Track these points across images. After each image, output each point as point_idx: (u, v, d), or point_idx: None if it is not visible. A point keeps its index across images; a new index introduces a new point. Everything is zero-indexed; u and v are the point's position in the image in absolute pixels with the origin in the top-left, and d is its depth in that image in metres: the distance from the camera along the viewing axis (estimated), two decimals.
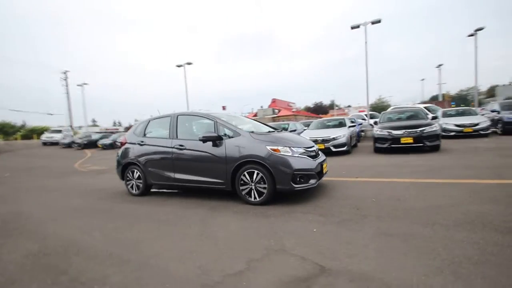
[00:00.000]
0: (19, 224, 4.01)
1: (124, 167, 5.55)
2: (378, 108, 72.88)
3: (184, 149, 4.71)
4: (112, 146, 23.13)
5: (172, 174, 4.87)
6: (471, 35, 19.01)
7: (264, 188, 3.99)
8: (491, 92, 57.55)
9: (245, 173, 4.10)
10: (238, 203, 4.23)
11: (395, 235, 2.64)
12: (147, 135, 5.43)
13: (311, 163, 4.10)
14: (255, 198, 4.07)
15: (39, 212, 4.65)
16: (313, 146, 4.62)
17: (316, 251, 2.43)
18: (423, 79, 51.02)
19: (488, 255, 2.14)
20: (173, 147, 4.84)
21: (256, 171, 4.02)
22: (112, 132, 35.10)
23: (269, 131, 4.81)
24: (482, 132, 10.88)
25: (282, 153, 3.96)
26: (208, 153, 4.44)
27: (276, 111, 39.47)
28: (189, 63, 23.67)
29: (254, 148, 4.06)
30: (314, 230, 2.93)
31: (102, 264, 2.52)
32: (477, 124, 11.02)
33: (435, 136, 7.98)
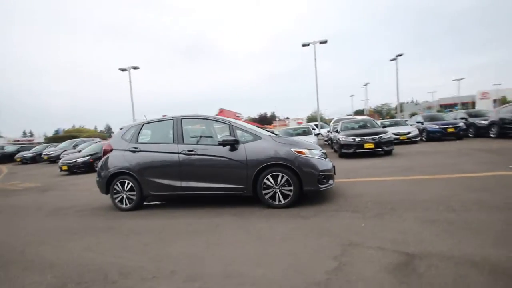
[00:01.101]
0: (4, 254, 3.10)
1: (110, 179, 4.81)
2: (315, 120, 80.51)
3: (195, 154, 4.39)
4: (35, 160, 19.46)
5: (178, 183, 4.46)
6: (393, 59, 22.86)
7: (290, 190, 4.02)
8: (400, 108, 69.54)
9: (269, 176, 4.07)
10: (255, 207, 4.14)
11: (435, 220, 3.02)
12: (141, 141, 4.86)
13: (329, 164, 4.32)
14: (279, 201, 4.06)
15: (16, 239, 3.69)
16: (322, 149, 4.89)
17: (385, 241, 2.60)
18: (352, 95, 58.71)
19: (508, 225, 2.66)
20: (180, 153, 4.46)
21: (281, 174, 4.03)
22: (30, 144, 29.53)
23: (277, 135, 4.88)
24: (413, 140, 13.06)
25: (306, 155, 4.09)
26: (225, 157, 4.26)
27: None
28: (135, 67, 21.86)
29: (280, 151, 4.08)
30: (362, 225, 3.11)
31: (175, 283, 2.18)
32: (409, 133, 13.20)
33: (390, 142, 9.28)
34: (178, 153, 4.48)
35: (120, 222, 4.11)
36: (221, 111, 44.93)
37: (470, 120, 13.97)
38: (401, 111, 63.58)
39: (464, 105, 50.15)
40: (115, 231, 3.70)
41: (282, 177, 4.02)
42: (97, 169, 5.09)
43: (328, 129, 17.05)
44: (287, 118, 77.38)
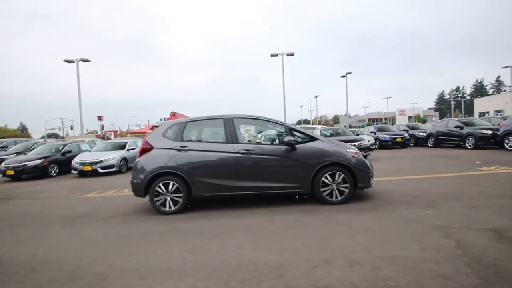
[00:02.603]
0: (62, 272, 2.67)
1: (151, 180, 4.43)
2: None
3: (253, 154, 4.43)
4: None
5: (235, 183, 4.41)
6: (343, 76, 25.77)
7: (346, 187, 4.43)
8: (336, 120, 77.52)
9: (327, 175, 4.41)
10: (310, 204, 4.42)
11: (475, 206, 3.83)
12: (187, 139, 4.62)
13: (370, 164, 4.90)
14: (336, 198, 4.42)
15: (60, 253, 3.14)
16: None
17: (464, 223, 3.22)
18: (301, 106, 63.52)
19: None
20: (236, 152, 4.43)
21: (338, 173, 4.41)
22: None
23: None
24: (371, 147, 15.04)
25: (359, 155, 4.57)
26: (284, 157, 4.43)
27: None
28: (85, 60, 19.36)
29: (338, 152, 4.47)
30: (429, 212, 3.73)
31: (341, 268, 2.34)
32: (369, 141, 15.17)
33: (368, 148, 10.61)
34: (234, 152, 4.44)
35: (182, 225, 3.87)
36: (173, 115, 43.08)
37: (411, 132, 16.82)
38: (337, 122, 71.32)
39: (386, 120, 59.07)
40: (194, 234, 3.50)
41: (339, 175, 4.41)
42: (132, 169, 4.62)
43: None
44: None
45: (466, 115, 53.08)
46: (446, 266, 2.27)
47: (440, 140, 14.20)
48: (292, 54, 19.54)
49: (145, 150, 4.59)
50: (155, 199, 4.45)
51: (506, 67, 27.51)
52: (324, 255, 2.60)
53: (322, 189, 4.41)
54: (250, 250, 2.85)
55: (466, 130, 12.83)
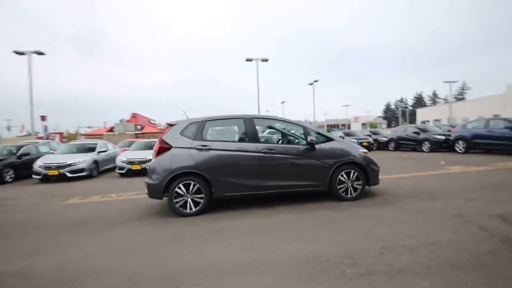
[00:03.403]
0: (117, 280, 2.47)
1: (170, 181, 4.23)
2: None
3: (275, 154, 4.51)
4: None
5: (258, 182, 4.44)
6: (311, 84, 27.16)
7: (359, 185, 4.76)
8: None
9: (343, 173, 4.69)
10: (325, 201, 4.67)
11: (472, 198, 4.44)
12: (207, 138, 4.51)
13: None
14: (350, 194, 4.72)
15: (95, 261, 2.85)
16: None
17: (472, 211, 3.74)
18: (267, 111, 64.95)
19: None
20: (259, 152, 4.47)
21: (352, 171, 4.73)
22: None
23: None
24: None
25: (369, 155, 4.95)
26: (304, 157, 4.60)
27: (139, 127, 35.52)
28: (39, 53, 17.23)
29: (353, 151, 4.78)
30: (438, 204, 4.21)
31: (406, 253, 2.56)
32: None
33: None
34: (257, 152, 4.47)
35: (212, 225, 3.79)
36: (134, 116, 40.46)
37: (374, 136, 18.43)
38: None
39: (344, 126, 63.59)
40: (232, 233, 3.45)
41: (354, 173, 4.72)
42: (149, 170, 4.33)
43: None
44: None
45: (407, 123, 59.95)
46: (487, 245, 2.65)
47: (400, 144, 15.83)
48: (266, 60, 20.05)
49: (163, 149, 4.36)
50: (175, 200, 4.24)
51: (446, 81, 31.89)
52: (380, 243, 2.81)
53: (338, 187, 4.68)
54: (306, 244, 2.93)
55: (423, 135, 14.55)
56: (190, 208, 4.28)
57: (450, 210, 3.83)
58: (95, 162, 10.74)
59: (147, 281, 2.33)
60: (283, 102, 45.81)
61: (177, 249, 3.03)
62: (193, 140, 4.43)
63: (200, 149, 4.37)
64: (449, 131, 14.43)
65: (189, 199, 4.27)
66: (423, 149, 14.01)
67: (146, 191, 4.52)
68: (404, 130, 16.10)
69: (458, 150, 12.18)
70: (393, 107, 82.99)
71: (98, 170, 10.93)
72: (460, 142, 12.20)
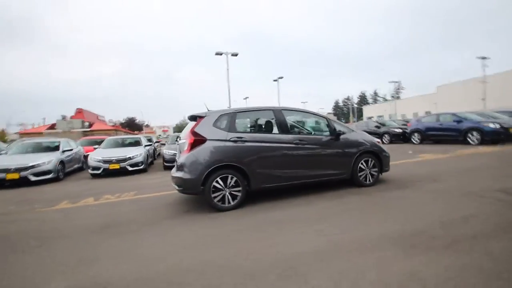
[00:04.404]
0: (224, 278, 2.39)
1: (208, 175, 4.05)
2: (183, 128, 79.31)
3: (305, 144, 4.65)
4: None
5: (292, 173, 4.53)
6: (275, 80, 27.86)
7: (375, 171, 5.19)
8: None
9: (363, 161, 5.06)
10: (345, 189, 5.01)
11: (463, 179, 5.22)
12: (239, 130, 4.42)
13: None
14: (369, 181, 5.13)
15: (176, 262, 2.66)
16: None
17: (479, 189, 4.42)
18: (228, 107, 64.42)
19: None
20: (291, 143, 4.55)
21: (370, 159, 5.14)
22: None
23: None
24: None
25: (381, 144, 5.42)
26: (330, 147, 4.84)
27: (87, 124, 31.95)
28: None
29: (369, 141, 5.19)
30: (441, 186, 4.86)
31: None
32: None
33: None
34: (290, 143, 4.54)
35: (261, 216, 3.77)
36: (80, 112, 36.12)
37: None
38: None
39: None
40: (288, 222, 3.50)
41: (371, 161, 5.14)
42: (184, 164, 4.06)
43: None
44: (147, 125, 71.92)
45: (356, 119, 65.87)
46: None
47: None
48: (236, 55, 19.89)
49: (198, 142, 4.13)
50: (213, 195, 4.08)
51: (392, 81, 35.73)
52: (435, 219, 3.18)
53: (359, 174, 5.04)
54: (372, 226, 3.14)
55: (383, 129, 16.25)
56: (229, 202, 4.16)
57: (459, 190, 4.46)
58: (61, 162, 9.46)
59: (261, 271, 2.27)
60: (246, 98, 45.81)
61: (250, 241, 2.97)
62: (227, 132, 4.30)
63: (236, 141, 4.27)
64: (404, 124, 16.40)
65: (227, 193, 4.15)
66: (384, 141, 15.59)
67: (176, 187, 4.24)
68: (366, 124, 17.74)
69: (414, 141, 13.93)
70: (341, 104, 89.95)
71: (64, 171, 9.65)
72: (416, 134, 13.96)
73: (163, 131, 79.05)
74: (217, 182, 4.10)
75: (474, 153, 8.71)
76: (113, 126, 35.81)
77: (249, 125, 4.73)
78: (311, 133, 4.93)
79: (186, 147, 4.21)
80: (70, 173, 10.51)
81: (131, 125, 43.37)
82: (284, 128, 4.64)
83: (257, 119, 4.77)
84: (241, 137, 4.31)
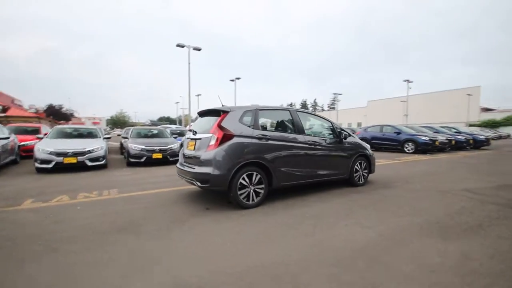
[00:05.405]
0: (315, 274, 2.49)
1: (236, 171, 3.98)
2: (120, 121, 71.25)
3: (317, 145, 4.94)
4: None
5: (307, 172, 4.76)
6: (232, 80, 27.88)
7: (366, 173, 5.85)
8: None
9: (358, 163, 5.65)
10: (340, 188, 5.55)
11: (443, 178, 6.31)
12: (262, 128, 4.44)
13: None
14: (361, 181, 5.74)
15: (251, 256, 2.61)
16: None
17: (451, 189, 5.42)
18: (177, 102, 60.34)
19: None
20: (306, 143, 4.79)
21: (363, 161, 5.76)
22: None
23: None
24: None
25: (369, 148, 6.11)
26: (336, 149, 5.26)
27: (0, 107, 26.18)
28: None
29: (363, 145, 5.80)
30: (418, 186, 5.78)
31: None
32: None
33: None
34: (305, 143, 4.77)
35: (292, 213, 3.89)
36: None
37: None
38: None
39: None
40: (320, 218, 3.71)
41: (363, 163, 5.77)
42: (212, 159, 3.86)
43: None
44: (71, 114, 63.08)
45: None
46: (488, 206, 4.10)
47: None
48: (199, 49, 19.21)
49: (227, 137, 4.00)
50: (239, 192, 4.01)
51: (336, 93, 39.65)
52: (437, 212, 3.83)
53: (354, 175, 5.59)
54: (398, 217, 3.61)
55: None
56: (252, 200, 4.14)
57: (433, 189, 5.39)
58: None
59: (345, 261, 2.41)
60: (198, 95, 44.31)
61: (300, 235, 3.06)
62: (253, 129, 4.28)
63: (260, 138, 4.28)
64: (356, 132, 18.45)
65: (251, 190, 4.13)
66: None
67: (197, 183, 4.00)
68: None
69: None
70: None
71: None
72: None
73: (94, 123, 70.48)
74: (243, 179, 4.04)
75: (415, 160, 10.47)
76: (35, 113, 30.06)
77: (268, 124, 4.77)
78: (320, 135, 5.25)
79: (212, 142, 4.02)
80: (1, 167, 8.58)
81: (56, 114, 37.09)
82: (300, 129, 4.85)
83: (275, 118, 4.86)
84: (265, 135, 4.35)
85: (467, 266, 2.34)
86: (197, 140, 4.38)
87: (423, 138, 13.39)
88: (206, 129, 4.34)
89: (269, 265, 2.40)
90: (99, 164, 8.61)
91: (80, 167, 8.34)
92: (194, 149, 4.41)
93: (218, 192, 4.95)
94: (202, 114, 4.90)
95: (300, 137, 4.77)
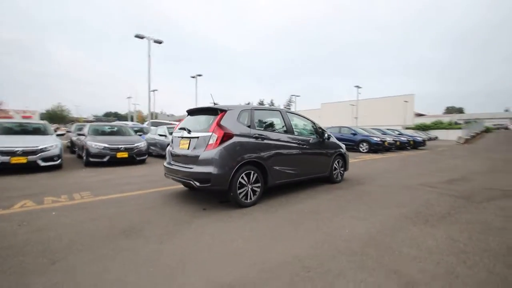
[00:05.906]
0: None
1: (236, 170, 4.00)
2: (57, 116, 62.94)
3: (305, 145, 5.22)
4: None
5: (297, 170, 4.99)
6: (193, 77, 27.11)
7: (342, 170, 6.35)
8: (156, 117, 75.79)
9: (336, 162, 6.10)
10: (321, 186, 5.98)
11: (410, 175, 7.13)
12: (257, 128, 4.52)
13: None
14: (338, 178, 6.22)
15: (283, 251, 2.73)
16: None
17: (411, 185, 6.20)
18: (129, 97, 55.56)
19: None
20: (296, 143, 5.02)
21: (340, 160, 6.25)
22: None
23: None
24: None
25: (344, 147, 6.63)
26: (320, 148, 5.62)
27: None
28: None
29: (340, 145, 6.28)
30: (384, 181, 6.50)
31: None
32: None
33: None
34: (295, 142, 5.00)
35: (292, 209, 4.07)
36: None
37: None
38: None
39: None
40: (324, 213, 3.97)
41: (340, 162, 6.26)
42: (213, 158, 3.79)
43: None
44: None
45: None
46: (446, 198, 4.86)
47: None
48: (160, 42, 18.17)
49: (228, 136, 3.98)
50: (239, 191, 4.04)
51: (294, 95, 41.23)
52: (413, 203, 4.40)
53: (333, 173, 6.04)
54: (379, 210, 4.04)
55: None
56: (250, 198, 4.20)
57: (398, 185, 6.12)
58: None
59: (359, 248, 2.65)
60: (154, 91, 41.63)
61: (309, 230, 3.25)
62: (251, 129, 4.34)
63: (257, 138, 4.36)
64: None
65: (249, 189, 4.19)
66: None
67: (196, 183, 3.91)
68: None
69: None
70: None
71: None
72: None
73: (24, 117, 61.71)
74: (242, 178, 4.08)
75: (372, 159, 11.62)
76: None
77: (262, 123, 4.85)
78: (306, 134, 5.52)
79: (212, 141, 3.96)
80: None
81: None
82: (290, 128, 5.06)
83: (268, 118, 4.96)
84: (262, 134, 4.44)
85: (456, 247, 2.79)
86: (191, 139, 4.26)
87: (375, 139, 14.91)
88: (203, 127, 4.25)
89: (296, 258, 2.52)
90: (54, 165, 7.65)
91: (29, 168, 7.31)
92: (188, 148, 4.28)
93: (210, 192, 4.88)
94: (193, 112, 4.77)
95: (291, 137, 4.98)
